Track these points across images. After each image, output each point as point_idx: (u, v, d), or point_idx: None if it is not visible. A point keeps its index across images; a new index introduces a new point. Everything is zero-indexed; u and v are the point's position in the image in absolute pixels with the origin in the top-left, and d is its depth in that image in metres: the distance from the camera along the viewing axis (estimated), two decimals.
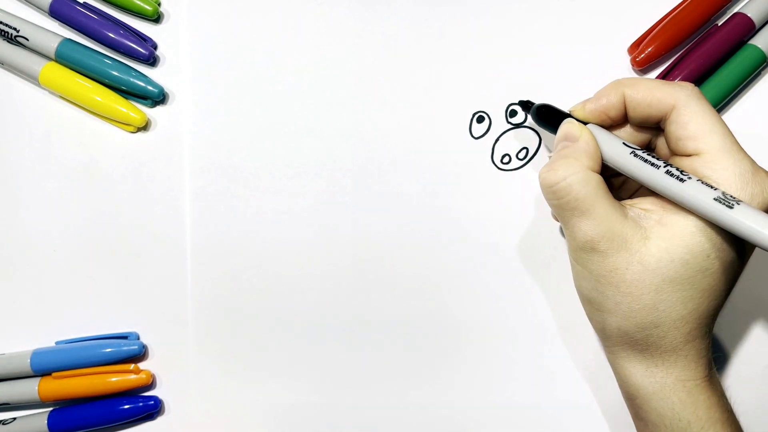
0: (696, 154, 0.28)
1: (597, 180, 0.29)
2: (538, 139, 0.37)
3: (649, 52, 0.36)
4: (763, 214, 0.25)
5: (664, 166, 0.28)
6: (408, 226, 0.37)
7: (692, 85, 0.29)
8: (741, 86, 0.36)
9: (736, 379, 0.36)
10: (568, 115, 0.32)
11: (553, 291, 0.36)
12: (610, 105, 0.30)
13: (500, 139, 0.37)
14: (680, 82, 0.29)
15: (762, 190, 0.27)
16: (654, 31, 0.36)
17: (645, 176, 0.28)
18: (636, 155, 0.29)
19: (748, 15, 0.36)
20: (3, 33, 0.36)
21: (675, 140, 0.29)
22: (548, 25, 0.37)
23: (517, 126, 0.37)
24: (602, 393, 0.36)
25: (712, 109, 0.28)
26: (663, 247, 0.27)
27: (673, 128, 0.28)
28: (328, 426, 0.37)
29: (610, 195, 0.29)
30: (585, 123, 0.31)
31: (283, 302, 0.37)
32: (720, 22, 0.36)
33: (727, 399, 0.30)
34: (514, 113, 0.37)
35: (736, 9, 0.36)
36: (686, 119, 0.28)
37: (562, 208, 0.29)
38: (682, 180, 0.27)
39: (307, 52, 0.37)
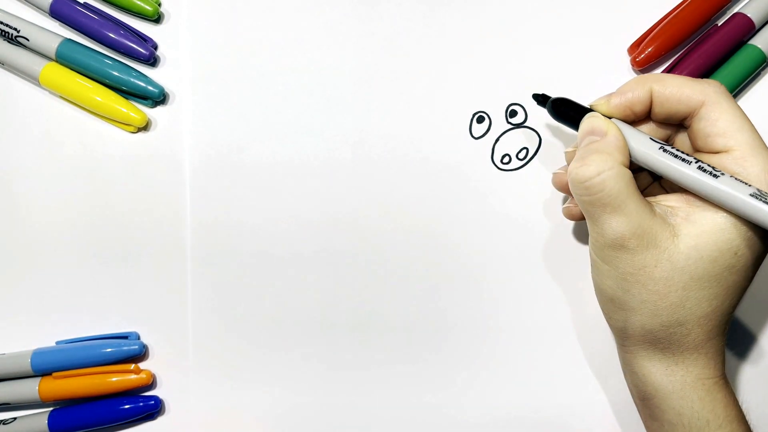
0: (725, 151, 0.28)
1: (629, 176, 0.28)
2: (538, 139, 0.37)
3: (649, 52, 0.36)
4: None
5: (695, 162, 0.27)
6: (408, 226, 0.37)
7: (717, 82, 0.29)
8: (741, 86, 0.36)
9: (736, 378, 0.36)
10: (589, 110, 0.31)
11: (554, 290, 0.36)
12: (637, 100, 0.30)
13: (500, 139, 0.37)
14: (707, 80, 0.29)
15: None
16: (654, 31, 0.36)
17: (675, 172, 0.28)
18: (665, 151, 0.28)
19: (748, 15, 0.36)
20: (3, 33, 0.36)
21: (704, 137, 0.28)
22: (548, 26, 0.37)
23: (517, 126, 0.37)
24: (609, 394, 0.36)
25: (739, 107, 0.28)
26: (692, 244, 0.27)
27: (702, 125, 0.28)
28: (328, 426, 0.37)
29: (639, 191, 0.28)
30: (608, 118, 0.30)
31: (283, 302, 0.37)
32: (720, 22, 0.36)
33: (736, 396, 0.30)
34: (514, 113, 0.37)
35: (736, 9, 0.36)
36: (716, 116, 0.28)
37: (593, 205, 0.28)
38: (715, 176, 0.27)
39: (307, 52, 0.37)
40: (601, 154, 0.28)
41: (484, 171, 0.37)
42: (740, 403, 0.30)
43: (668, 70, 0.36)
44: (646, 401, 0.31)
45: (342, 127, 0.37)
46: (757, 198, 0.26)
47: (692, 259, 0.27)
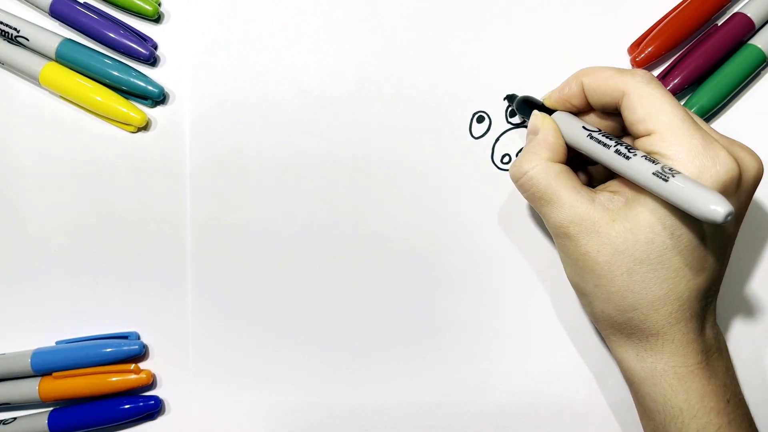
0: (648, 135, 0.28)
1: (557, 170, 0.30)
2: None
3: (649, 52, 0.36)
4: (697, 185, 0.25)
5: (614, 146, 0.28)
6: (408, 226, 0.37)
7: (644, 71, 0.30)
8: (741, 86, 0.36)
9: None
10: (539, 106, 0.33)
11: (554, 289, 0.36)
12: (572, 94, 0.31)
13: (500, 139, 0.37)
14: (633, 69, 0.30)
15: (714, 163, 0.27)
16: (654, 31, 0.36)
17: (600, 156, 0.29)
18: (592, 137, 0.29)
19: (748, 15, 0.36)
20: (3, 33, 0.36)
21: (630, 125, 0.29)
22: (549, 25, 0.37)
23: (517, 126, 0.37)
24: (609, 394, 0.36)
25: (663, 91, 0.29)
26: (628, 227, 0.28)
27: (626, 114, 0.29)
28: (328, 426, 0.37)
29: (574, 181, 0.30)
30: (554, 111, 0.32)
31: (283, 302, 0.37)
32: (720, 22, 0.36)
33: (729, 388, 0.30)
34: (514, 113, 0.37)
35: (736, 9, 0.36)
36: (635, 104, 0.29)
37: (531, 200, 0.31)
38: (627, 157, 0.27)
39: (307, 52, 0.37)
40: (527, 154, 0.31)
41: (484, 171, 0.37)
42: (735, 396, 0.30)
43: (668, 70, 0.36)
44: (629, 385, 0.32)
45: (342, 126, 0.37)
46: (657, 176, 0.26)
47: (630, 242, 0.28)
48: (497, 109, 0.37)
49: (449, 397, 0.36)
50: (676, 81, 0.35)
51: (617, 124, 0.32)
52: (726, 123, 0.37)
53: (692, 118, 0.28)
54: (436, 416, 0.36)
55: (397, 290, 0.37)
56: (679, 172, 0.26)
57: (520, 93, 0.36)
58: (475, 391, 0.36)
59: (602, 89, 0.30)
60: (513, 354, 0.36)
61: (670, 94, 0.29)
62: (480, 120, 0.37)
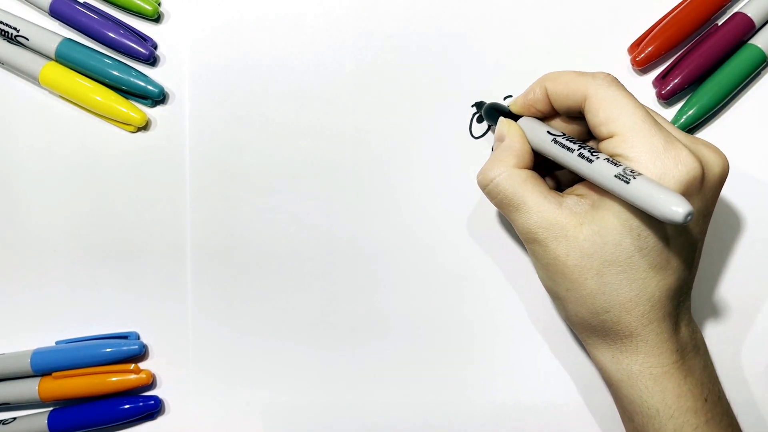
0: (611, 137, 0.28)
1: (524, 176, 0.30)
2: None
3: (649, 52, 0.36)
4: (657, 186, 0.25)
5: (578, 149, 0.28)
6: (408, 226, 0.37)
7: (605, 73, 0.30)
8: (741, 86, 0.36)
9: (736, 379, 0.36)
10: (506, 112, 0.33)
11: None
12: (536, 99, 0.31)
13: None
14: (595, 72, 0.30)
15: (676, 163, 0.27)
16: (654, 31, 0.36)
17: (565, 160, 0.29)
18: (556, 141, 0.29)
19: (748, 15, 0.36)
20: (3, 33, 0.36)
21: (593, 128, 0.29)
22: (549, 25, 0.37)
23: None
24: (607, 394, 0.36)
25: (624, 92, 0.29)
26: (596, 230, 0.28)
27: (589, 117, 0.29)
28: (328, 426, 0.37)
29: (541, 186, 0.30)
30: (520, 116, 0.32)
31: (283, 302, 0.37)
32: (720, 22, 0.36)
33: (707, 386, 0.30)
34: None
35: (736, 9, 0.36)
36: (596, 107, 0.29)
37: (499, 206, 0.31)
38: (590, 161, 0.27)
39: (307, 52, 0.37)
40: (493, 161, 0.31)
41: None
42: (712, 394, 0.30)
43: (668, 70, 0.36)
44: (608, 388, 0.32)
45: (341, 127, 0.37)
46: (619, 178, 0.26)
47: (598, 245, 0.28)
48: None
49: (449, 398, 0.36)
50: (676, 81, 0.35)
51: (583, 128, 0.31)
52: (726, 123, 0.37)
53: (654, 118, 0.28)
54: (434, 416, 0.36)
55: (396, 290, 0.37)
56: (640, 174, 0.26)
57: (519, 92, 0.36)
58: (475, 391, 0.36)
59: (565, 93, 0.30)
60: (514, 355, 0.36)
61: (632, 95, 0.29)
62: (480, 120, 0.37)
